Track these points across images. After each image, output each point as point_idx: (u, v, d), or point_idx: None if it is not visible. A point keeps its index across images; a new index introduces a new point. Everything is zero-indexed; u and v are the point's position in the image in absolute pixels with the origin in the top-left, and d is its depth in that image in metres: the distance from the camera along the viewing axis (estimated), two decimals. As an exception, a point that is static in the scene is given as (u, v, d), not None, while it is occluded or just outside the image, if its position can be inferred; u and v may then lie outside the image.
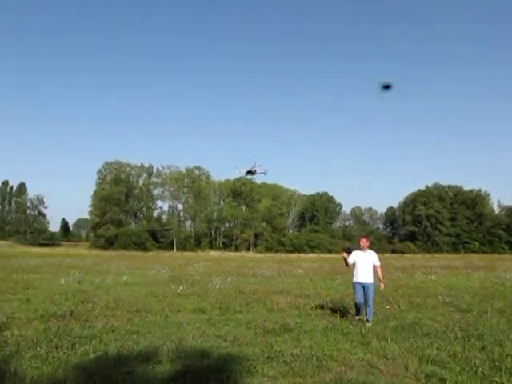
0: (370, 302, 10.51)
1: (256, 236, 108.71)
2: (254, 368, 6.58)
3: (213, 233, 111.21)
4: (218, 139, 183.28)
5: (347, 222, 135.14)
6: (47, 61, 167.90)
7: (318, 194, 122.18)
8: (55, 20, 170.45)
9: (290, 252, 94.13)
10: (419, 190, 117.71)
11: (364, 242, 10.89)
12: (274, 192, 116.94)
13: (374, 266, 10.79)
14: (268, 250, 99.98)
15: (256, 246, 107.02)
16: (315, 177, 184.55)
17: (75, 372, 6.20)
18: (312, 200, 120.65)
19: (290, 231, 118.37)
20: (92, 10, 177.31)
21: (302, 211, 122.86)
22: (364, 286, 10.53)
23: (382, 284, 10.98)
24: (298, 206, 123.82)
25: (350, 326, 9.77)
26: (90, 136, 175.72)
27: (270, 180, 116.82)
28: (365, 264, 10.71)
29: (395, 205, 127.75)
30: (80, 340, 8.06)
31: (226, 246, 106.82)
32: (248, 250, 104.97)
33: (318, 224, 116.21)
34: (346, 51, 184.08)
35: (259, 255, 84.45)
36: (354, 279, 10.79)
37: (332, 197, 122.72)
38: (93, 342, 7.94)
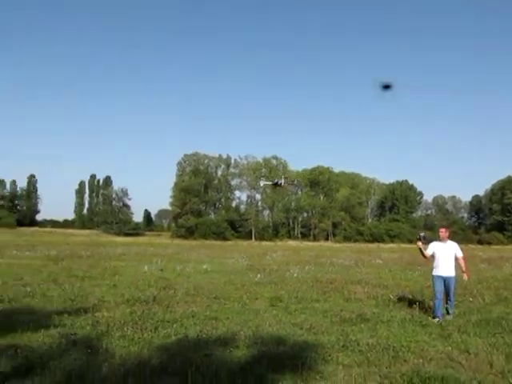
0: (452, 296, 9.93)
1: (334, 225, 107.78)
2: (329, 356, 6.62)
3: (291, 222, 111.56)
4: (295, 128, 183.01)
5: (429, 211, 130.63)
6: (127, 54, 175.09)
7: (397, 182, 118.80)
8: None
9: (369, 242, 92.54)
10: (509, 177, 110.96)
11: (443, 233, 10.10)
12: (353, 181, 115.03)
13: (456, 258, 10.05)
14: (346, 239, 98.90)
15: (334, 235, 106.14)
16: (395, 165, 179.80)
17: (158, 352, 6.59)
18: (391, 188, 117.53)
19: (369, 220, 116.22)
20: None
21: (381, 200, 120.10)
22: (445, 280, 9.88)
23: (465, 275, 10.14)
24: (377, 195, 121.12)
25: (429, 318, 9.52)
26: (171, 128, 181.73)
27: (348, 168, 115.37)
28: (445, 256, 9.96)
29: (481, 193, 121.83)
30: (162, 323, 8.50)
31: (304, 236, 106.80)
32: (326, 239, 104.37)
33: (398, 213, 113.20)
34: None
35: (337, 245, 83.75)
36: (434, 272, 10.12)
37: (412, 185, 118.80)
38: (174, 325, 8.35)
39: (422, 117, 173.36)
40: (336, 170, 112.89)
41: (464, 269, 10.12)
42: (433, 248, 10.17)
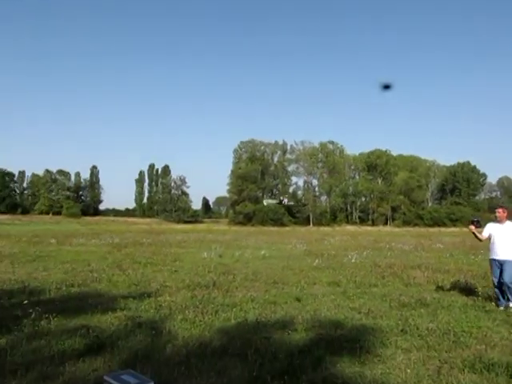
0: (509, 281, 9.09)
1: (393, 210, 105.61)
2: (388, 340, 6.61)
3: (348, 207, 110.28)
4: (351, 113, 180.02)
5: (493, 194, 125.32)
6: (181, 43, 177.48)
7: (459, 164, 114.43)
8: None
9: (430, 226, 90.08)
10: None
11: (501, 213, 9.44)
12: (411, 164, 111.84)
13: None
14: (406, 223, 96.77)
15: (393, 219, 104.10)
16: (456, 147, 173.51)
17: (219, 334, 6.81)
18: (452, 171, 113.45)
19: (429, 204, 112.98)
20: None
21: (441, 183, 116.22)
22: (502, 264, 9.22)
23: None
24: (438, 178, 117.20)
25: (492, 304, 9.25)
26: (227, 115, 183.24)
27: (406, 151, 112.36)
28: (503, 237, 9.30)
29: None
30: (222, 307, 8.74)
31: (363, 221, 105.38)
32: (385, 224, 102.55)
33: (459, 196, 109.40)
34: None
35: (397, 229, 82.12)
36: (491, 255, 9.57)
37: (475, 166, 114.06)
38: (234, 309, 8.56)
39: (483, 94, 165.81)
40: (394, 154, 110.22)
41: None
42: (489, 229, 9.61)
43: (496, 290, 9.38)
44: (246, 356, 5.71)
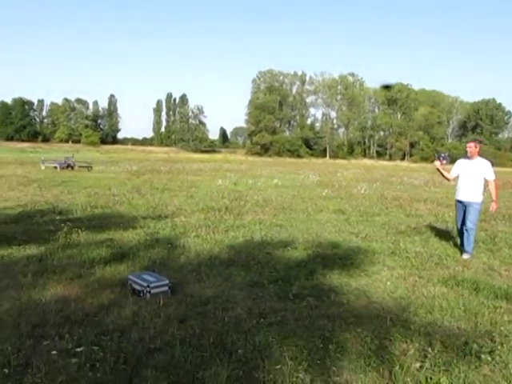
0: (470, 227, 7.96)
1: (411, 145, 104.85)
2: (377, 260, 7.42)
3: (366, 141, 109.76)
4: (372, 44, 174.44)
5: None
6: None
7: (483, 100, 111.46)
8: None
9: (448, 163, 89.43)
10: None
11: (472, 147, 8.01)
12: (433, 99, 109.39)
13: (485, 181, 8.08)
14: (423, 159, 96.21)
15: (411, 155, 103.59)
16: (480, 85, 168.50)
17: (227, 249, 7.72)
18: (476, 108, 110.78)
19: (449, 141, 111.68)
20: None
21: (463, 120, 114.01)
22: (466, 206, 8.05)
23: (493, 204, 8.19)
24: (460, 115, 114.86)
25: (482, 234, 9.85)
26: (245, 45, 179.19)
27: (428, 86, 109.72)
28: (469, 176, 8.03)
29: None
30: (232, 228, 9.65)
31: (380, 155, 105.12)
32: (402, 159, 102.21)
33: (481, 134, 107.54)
34: None
35: (413, 165, 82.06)
36: (456, 196, 8.36)
37: (500, 104, 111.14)
38: (242, 230, 9.46)
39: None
40: (415, 88, 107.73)
41: (494, 197, 8.17)
42: (457, 167, 8.35)
43: (460, 237, 8.37)
44: (248, 267, 6.61)
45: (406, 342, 4.19)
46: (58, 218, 10.21)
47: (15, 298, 5.12)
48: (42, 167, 7.56)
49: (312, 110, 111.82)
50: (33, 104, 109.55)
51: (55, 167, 7.93)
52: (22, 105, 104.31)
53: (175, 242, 8.12)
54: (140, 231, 9.00)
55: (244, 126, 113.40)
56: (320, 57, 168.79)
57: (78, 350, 3.88)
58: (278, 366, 3.71)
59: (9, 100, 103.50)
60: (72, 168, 7.93)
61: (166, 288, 5.29)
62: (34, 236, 8.24)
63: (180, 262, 6.86)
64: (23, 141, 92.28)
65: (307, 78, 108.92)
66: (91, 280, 5.83)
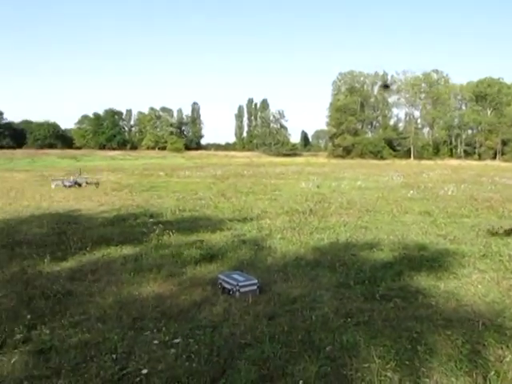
0: None
1: (503, 143, 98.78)
2: (467, 262, 7.16)
3: (453, 140, 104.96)
4: (456, 38, 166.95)
5: None
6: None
7: None
8: None
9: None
10: None
11: None
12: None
13: None
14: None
15: (503, 153, 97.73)
16: None
17: (312, 251, 7.82)
18: None
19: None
20: None
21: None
22: None
23: None
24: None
25: None
26: (325, 48, 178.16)
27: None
28: None
29: None
30: (317, 230, 9.73)
31: (468, 155, 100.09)
32: (493, 158, 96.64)
33: None
34: None
35: (506, 164, 77.44)
36: None
37: None
38: (327, 232, 9.51)
39: None
40: (507, 82, 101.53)
41: None
42: None
43: None
44: (334, 268, 6.66)
45: (502, 348, 4.04)
46: (149, 220, 10.82)
47: (116, 294, 5.55)
48: (53, 186, 8.15)
49: (395, 110, 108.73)
50: (122, 114, 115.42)
51: (65, 185, 8.53)
52: (112, 115, 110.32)
53: (262, 243, 8.35)
54: (227, 233, 9.33)
55: (325, 128, 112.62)
56: (401, 55, 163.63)
57: (175, 341, 4.16)
58: (366, 365, 3.76)
59: (101, 111, 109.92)
60: (80, 185, 8.50)
61: (254, 287, 5.49)
62: (129, 237, 8.83)
63: (267, 262, 7.06)
64: (114, 149, 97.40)
65: (389, 78, 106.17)
66: (183, 279, 6.17)
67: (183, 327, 4.51)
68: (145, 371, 3.61)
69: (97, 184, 7.67)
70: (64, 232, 9.37)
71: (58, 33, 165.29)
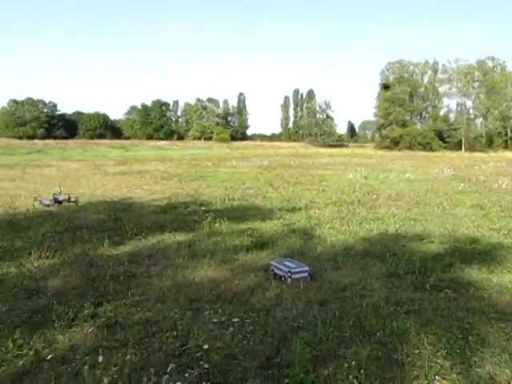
0: None
1: None
2: (525, 256, 7.03)
3: (508, 131, 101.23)
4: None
5: None
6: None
7: None
8: None
9: None
10: None
11: None
12: None
13: None
14: None
15: None
16: None
17: (362, 241, 7.90)
18: None
19: None
20: None
21: None
22: None
23: None
24: None
25: None
26: (374, 37, 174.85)
27: None
28: None
29: None
30: (365, 220, 9.76)
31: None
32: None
33: None
34: None
35: None
36: None
37: None
38: (376, 222, 9.53)
39: None
40: None
41: None
42: None
43: None
44: (384, 258, 6.72)
45: (559, 344, 4.01)
46: (200, 209, 11.13)
47: (172, 277, 5.84)
48: (36, 205, 8.42)
49: (445, 100, 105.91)
50: (169, 105, 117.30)
51: (47, 205, 8.76)
52: (160, 106, 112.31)
53: (311, 232, 8.49)
54: (277, 222, 9.51)
55: (372, 119, 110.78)
56: (453, 43, 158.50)
57: (231, 322, 4.37)
58: (417, 351, 3.85)
59: (149, 102, 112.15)
60: (60, 203, 8.69)
61: (306, 274, 5.64)
62: (181, 225, 9.15)
63: (316, 251, 7.19)
64: (161, 139, 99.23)
65: (440, 67, 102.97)
66: (236, 264, 6.39)
67: (238, 310, 4.72)
68: (206, 346, 3.84)
69: (76, 202, 7.95)
70: (119, 218, 9.79)
71: (108, 28, 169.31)
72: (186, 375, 3.35)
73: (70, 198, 7.82)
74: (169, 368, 3.30)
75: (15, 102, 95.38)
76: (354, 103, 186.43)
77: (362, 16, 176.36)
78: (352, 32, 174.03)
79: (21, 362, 3.68)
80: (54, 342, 4.03)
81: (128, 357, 3.66)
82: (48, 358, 3.73)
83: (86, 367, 3.41)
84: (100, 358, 3.54)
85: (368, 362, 3.63)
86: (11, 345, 3.91)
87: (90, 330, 4.26)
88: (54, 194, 7.65)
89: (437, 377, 3.49)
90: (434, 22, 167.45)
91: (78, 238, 7.97)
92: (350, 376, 3.40)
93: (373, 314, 4.64)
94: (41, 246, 7.19)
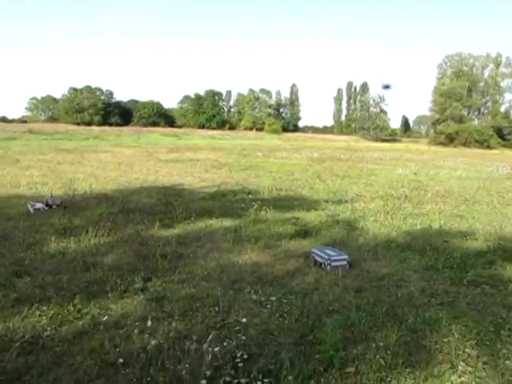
0: None
1: None
2: None
3: None
4: None
5: None
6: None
7: None
8: None
9: None
10: None
11: None
12: None
13: None
14: None
15: None
16: None
17: (404, 235, 8.00)
18: None
19: None
20: None
21: None
22: None
23: None
24: None
25: None
26: (431, 28, 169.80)
27: None
28: None
29: None
30: (410, 215, 9.81)
31: None
32: None
33: None
34: None
35: None
36: None
37: None
38: (421, 218, 9.56)
39: None
40: None
41: None
42: None
43: None
44: (424, 252, 6.82)
45: None
46: (248, 197, 11.46)
47: (217, 259, 6.20)
48: (31, 210, 8.63)
49: (507, 96, 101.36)
50: (221, 95, 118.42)
51: (38, 209, 8.98)
52: (213, 96, 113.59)
53: (354, 224, 8.66)
54: (321, 213, 9.72)
55: (427, 114, 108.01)
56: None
57: (270, 301, 4.66)
58: (446, 339, 4.00)
59: (202, 92, 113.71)
60: (50, 207, 8.87)
61: (345, 262, 5.86)
62: (228, 211, 9.53)
63: (358, 242, 7.38)
64: (213, 128, 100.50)
65: (503, 60, 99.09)
66: (279, 250, 6.68)
67: (277, 291, 5.00)
68: (244, 320, 4.15)
69: (65, 207, 8.31)
70: (170, 203, 10.25)
71: (164, 17, 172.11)
72: (225, 344, 3.66)
73: (61, 203, 8.26)
74: (209, 337, 3.60)
75: (74, 89, 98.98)
76: (409, 97, 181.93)
77: (419, 7, 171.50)
78: (409, 24, 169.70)
79: (80, 323, 4.13)
80: (107, 310, 4.46)
81: (173, 325, 4.03)
82: (103, 321, 4.15)
83: (135, 331, 3.79)
84: (149, 323, 3.91)
85: (396, 346, 3.82)
86: (72, 308, 4.39)
87: (140, 301, 4.66)
88: (46, 198, 8.08)
89: (461, 363, 3.65)
90: (496, 15, 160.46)
91: (130, 220, 8.48)
92: (377, 356, 3.62)
93: (407, 303, 4.81)
94: (97, 225, 7.71)
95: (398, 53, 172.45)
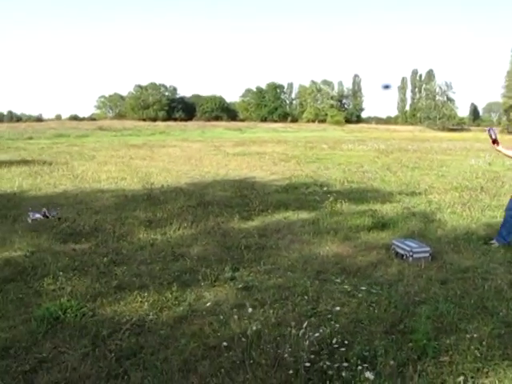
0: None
1: None
2: None
3: None
4: None
5: None
6: None
7: None
8: None
9: None
10: None
11: None
12: None
13: None
14: None
15: None
16: None
17: (484, 226, 7.86)
18: None
19: None
20: None
21: None
22: None
23: None
24: None
25: None
26: (502, 9, 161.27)
27: None
28: None
29: None
30: (489, 207, 9.56)
31: None
32: None
33: None
34: None
35: None
36: None
37: None
38: (500, 210, 8.97)
39: None
40: None
41: None
42: None
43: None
44: (509, 245, 6.64)
45: None
46: (320, 189, 11.57)
47: (299, 250, 6.37)
48: (29, 221, 8.72)
49: None
50: (283, 87, 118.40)
51: (35, 219, 9.06)
52: (274, 88, 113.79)
53: (431, 216, 8.58)
54: (396, 205, 9.68)
55: (499, 100, 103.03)
56: None
57: (358, 291, 4.79)
58: (542, 334, 3.96)
59: (263, 85, 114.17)
60: (47, 217, 8.94)
61: (427, 254, 5.86)
62: (303, 204, 9.69)
63: (437, 234, 7.33)
64: (275, 121, 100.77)
65: None
66: (358, 242, 6.77)
67: (362, 282, 5.11)
68: (337, 308, 4.31)
69: (59, 219, 8.40)
70: (245, 196, 10.54)
71: (226, 11, 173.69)
72: (321, 331, 3.82)
73: (56, 214, 8.63)
74: (304, 324, 3.78)
75: (140, 86, 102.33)
76: (478, 83, 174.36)
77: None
78: (477, 7, 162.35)
79: (179, 309, 4.43)
80: (202, 297, 4.73)
81: (269, 312, 4.25)
82: (199, 308, 4.43)
83: (235, 316, 4.04)
84: (249, 310, 4.14)
85: (490, 338, 3.83)
86: (170, 295, 4.68)
87: (231, 290, 4.91)
88: (44, 210, 8.49)
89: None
90: None
91: (209, 212, 8.80)
92: (472, 347, 3.66)
93: (495, 296, 4.78)
94: (178, 218, 8.11)
95: (466, 37, 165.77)
